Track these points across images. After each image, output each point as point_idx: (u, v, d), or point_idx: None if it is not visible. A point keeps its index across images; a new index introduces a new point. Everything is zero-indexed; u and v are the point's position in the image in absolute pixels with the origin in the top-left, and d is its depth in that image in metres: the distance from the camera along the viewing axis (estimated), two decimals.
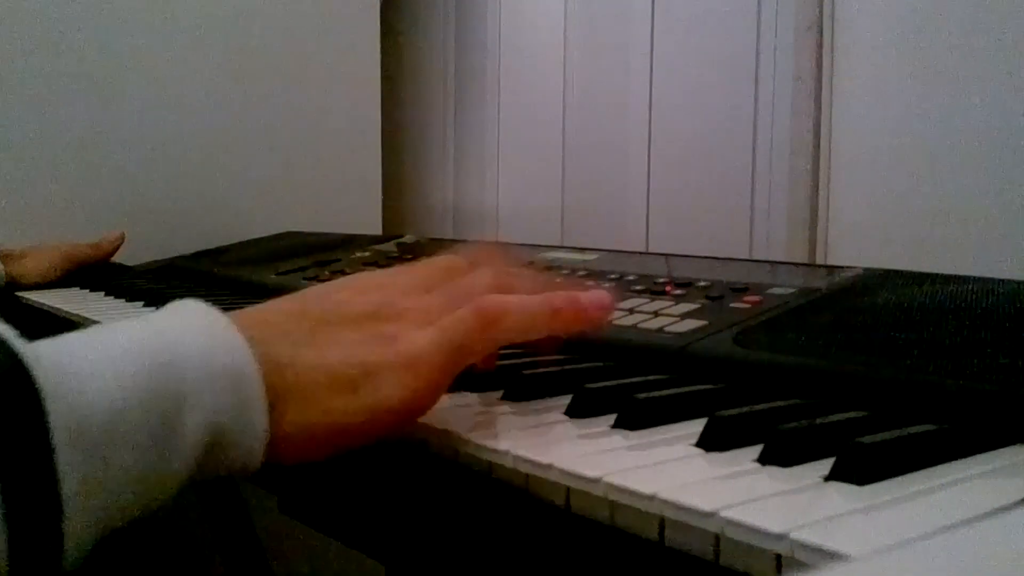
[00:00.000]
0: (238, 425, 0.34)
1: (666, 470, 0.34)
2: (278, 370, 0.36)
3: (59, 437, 0.29)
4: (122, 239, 1.15)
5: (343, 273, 0.89)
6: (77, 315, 0.86)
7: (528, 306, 0.41)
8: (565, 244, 1.18)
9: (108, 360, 0.32)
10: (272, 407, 0.35)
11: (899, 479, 0.32)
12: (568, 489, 0.35)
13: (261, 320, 0.39)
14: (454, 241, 1.15)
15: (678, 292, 0.61)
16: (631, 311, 0.59)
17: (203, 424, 0.33)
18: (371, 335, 0.39)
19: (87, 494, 0.30)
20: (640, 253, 0.88)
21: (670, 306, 0.58)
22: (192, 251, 1.22)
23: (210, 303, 0.37)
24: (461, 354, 0.40)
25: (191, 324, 0.35)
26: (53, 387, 0.29)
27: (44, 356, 0.30)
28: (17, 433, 0.28)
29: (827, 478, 0.32)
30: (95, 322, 0.81)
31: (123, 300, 0.94)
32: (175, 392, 0.33)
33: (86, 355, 0.32)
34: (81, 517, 0.30)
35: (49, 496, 0.29)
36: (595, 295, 0.43)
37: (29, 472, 0.28)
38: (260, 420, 0.35)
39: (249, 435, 0.35)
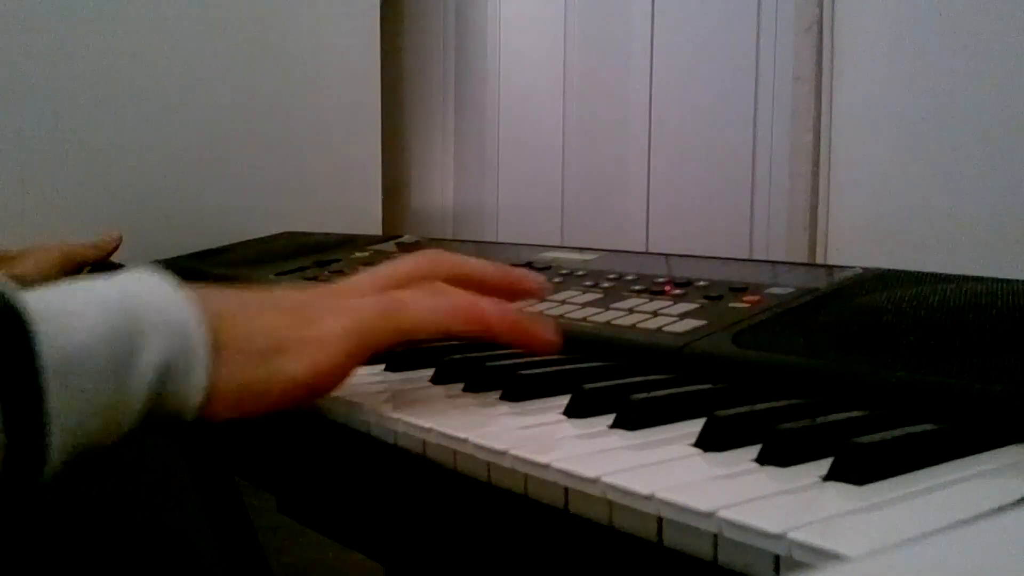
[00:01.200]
0: (183, 368, 0.40)
1: (664, 470, 0.34)
2: (212, 327, 0.42)
3: (46, 364, 0.36)
4: (120, 239, 1.15)
5: (342, 273, 0.89)
6: None
7: (435, 303, 0.46)
8: (565, 244, 1.18)
9: (82, 306, 0.39)
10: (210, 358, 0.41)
11: (898, 479, 0.32)
12: (566, 489, 0.35)
13: (207, 291, 0.44)
14: (453, 241, 1.15)
15: (677, 292, 0.61)
16: (630, 311, 0.59)
17: (155, 363, 0.39)
18: (293, 318, 0.45)
19: (65, 413, 0.36)
20: (640, 253, 0.88)
21: (669, 306, 0.58)
22: (192, 251, 1.22)
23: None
24: (366, 339, 0.45)
25: (148, 284, 0.42)
26: (41, 325, 0.36)
27: (31, 301, 0.37)
28: (12, 360, 0.35)
29: (825, 478, 0.32)
30: None
31: None
32: (134, 334, 0.39)
33: (64, 302, 0.39)
34: (60, 433, 0.36)
35: (36, 412, 0.35)
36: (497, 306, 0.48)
37: (22, 391, 0.35)
38: (200, 367, 0.41)
39: (191, 379, 0.40)
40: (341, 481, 0.50)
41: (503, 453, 0.37)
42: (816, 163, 1.02)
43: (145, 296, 0.40)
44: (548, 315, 0.61)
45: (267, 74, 1.38)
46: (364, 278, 0.50)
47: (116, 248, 1.15)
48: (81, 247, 1.12)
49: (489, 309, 0.47)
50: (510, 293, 0.52)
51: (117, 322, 0.39)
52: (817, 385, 0.44)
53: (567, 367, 0.51)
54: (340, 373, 0.45)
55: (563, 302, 0.64)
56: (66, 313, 0.38)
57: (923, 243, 0.92)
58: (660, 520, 0.31)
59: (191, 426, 0.56)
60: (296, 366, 0.43)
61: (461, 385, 0.50)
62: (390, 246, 1.02)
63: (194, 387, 0.40)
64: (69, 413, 0.36)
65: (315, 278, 0.90)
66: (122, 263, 1.17)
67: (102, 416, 0.38)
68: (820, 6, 1.01)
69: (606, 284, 0.66)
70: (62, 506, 0.57)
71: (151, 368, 0.39)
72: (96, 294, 0.40)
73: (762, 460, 0.35)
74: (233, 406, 0.42)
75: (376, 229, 1.49)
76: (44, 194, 1.19)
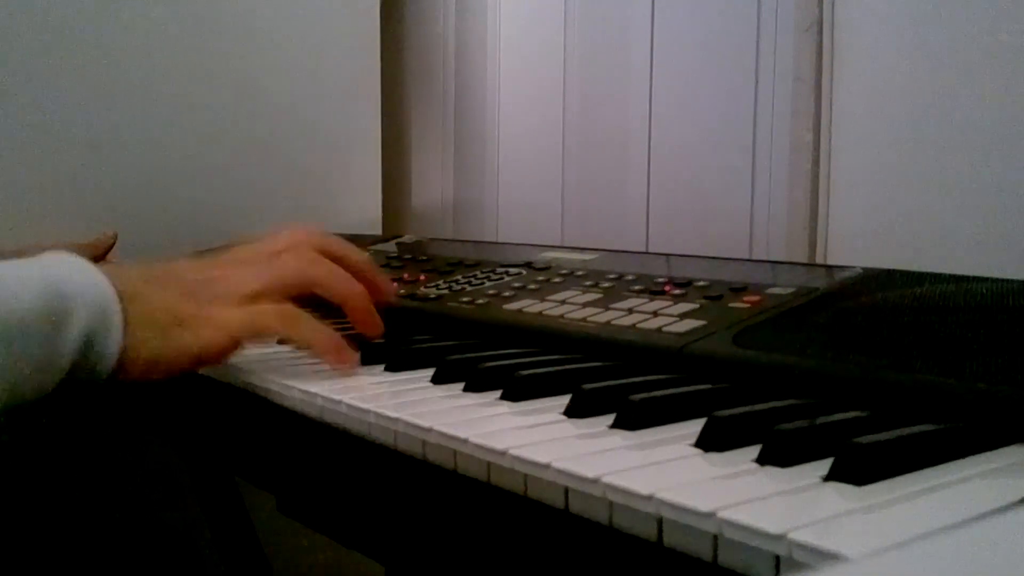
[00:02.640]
0: (100, 340, 0.49)
1: (664, 470, 0.34)
2: (124, 304, 0.50)
3: None
4: (115, 238, 1.14)
5: None
6: None
7: (322, 333, 0.55)
8: (565, 244, 1.18)
9: (19, 281, 0.47)
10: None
11: (898, 479, 0.32)
12: (566, 489, 0.35)
13: (119, 269, 0.53)
14: (454, 241, 1.15)
15: (677, 292, 0.61)
16: (630, 311, 0.59)
17: (78, 336, 0.48)
18: (192, 295, 0.53)
19: (5, 372, 0.44)
20: (640, 253, 0.88)
21: (669, 306, 0.58)
22: (192, 251, 1.22)
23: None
24: (258, 338, 0.55)
25: (73, 267, 0.50)
26: None
27: None
28: None
29: (825, 478, 0.32)
30: None
31: None
32: (63, 306, 0.47)
33: (5, 277, 0.47)
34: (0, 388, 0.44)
35: None
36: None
37: None
38: (115, 341, 0.49)
39: (107, 349, 0.49)
40: (341, 481, 0.50)
41: (503, 453, 0.37)
42: (816, 163, 1.02)
43: (71, 278, 0.49)
44: (548, 315, 0.62)
45: (267, 74, 1.38)
46: (250, 250, 0.59)
47: (112, 247, 1.15)
48: (77, 247, 1.11)
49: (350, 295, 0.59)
50: (363, 282, 0.61)
51: (49, 297, 0.47)
52: (817, 385, 0.44)
53: (567, 367, 0.51)
54: (228, 352, 0.54)
55: (563, 302, 0.64)
56: (6, 293, 0.46)
57: (923, 243, 0.92)
58: (660, 520, 0.31)
59: (191, 426, 0.58)
60: (193, 341, 0.51)
61: (461, 385, 0.50)
62: (390, 246, 1.02)
63: (109, 356, 0.49)
64: (9, 373, 0.45)
65: None
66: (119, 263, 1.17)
67: (33, 376, 0.46)
68: (820, 6, 1.01)
69: (606, 284, 0.66)
70: (64, 506, 0.58)
71: (75, 339, 0.47)
72: (29, 277, 0.48)
73: (762, 460, 0.35)
74: (140, 373, 0.50)
75: (376, 229, 1.49)
76: (42, 194, 1.19)
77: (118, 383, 0.50)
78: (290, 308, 0.55)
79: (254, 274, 0.57)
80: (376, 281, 0.63)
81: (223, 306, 0.54)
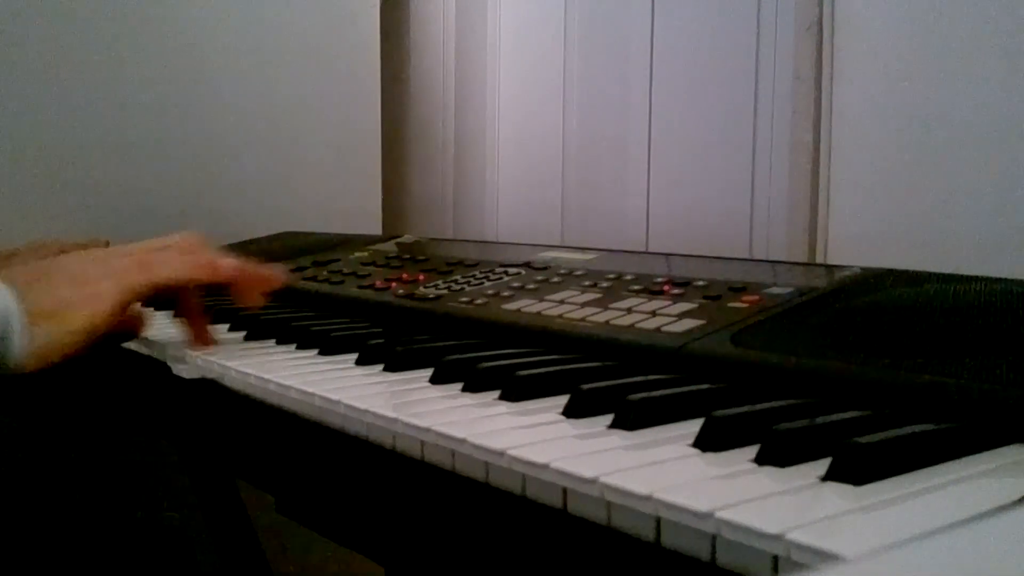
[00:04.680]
0: (5, 342, 0.53)
1: (663, 470, 0.34)
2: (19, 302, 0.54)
3: None
4: (107, 246, 1.14)
5: (342, 273, 0.89)
6: None
7: (180, 260, 0.63)
8: (565, 244, 1.18)
9: None
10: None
11: (896, 479, 0.32)
12: (564, 489, 0.35)
13: (8, 274, 0.57)
14: (453, 241, 1.14)
15: (676, 292, 0.61)
16: (629, 311, 0.58)
17: None
18: (73, 280, 0.58)
19: None
20: (639, 253, 0.87)
21: (668, 306, 0.58)
22: None
23: None
24: (131, 291, 0.59)
25: None
26: None
27: None
28: None
29: (824, 478, 0.32)
30: None
31: None
32: None
33: None
34: None
35: None
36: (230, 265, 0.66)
37: None
38: (18, 341, 0.54)
39: (11, 348, 0.54)
40: (340, 481, 0.50)
41: (501, 453, 0.37)
42: (816, 163, 1.02)
43: None
44: (547, 315, 0.61)
45: (267, 74, 1.38)
46: (135, 245, 0.65)
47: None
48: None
49: (222, 262, 0.65)
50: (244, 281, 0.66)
51: None
52: (816, 385, 0.44)
53: (566, 367, 0.51)
54: (112, 320, 0.58)
55: (562, 302, 0.64)
56: None
57: (923, 243, 0.92)
58: (658, 520, 0.31)
59: (191, 426, 0.58)
60: (77, 321, 0.56)
61: (459, 385, 0.50)
62: (390, 246, 1.02)
63: (14, 354, 0.54)
64: None
65: (314, 278, 0.90)
66: None
67: None
68: (820, 6, 1.01)
69: (605, 284, 0.66)
70: (62, 506, 0.58)
71: None
72: None
73: (760, 460, 0.35)
74: (40, 361, 0.55)
75: (376, 229, 1.49)
76: (42, 195, 1.19)
77: (27, 376, 0.55)
78: (155, 253, 0.62)
79: (133, 263, 0.61)
80: (255, 278, 0.67)
81: (98, 282, 0.59)
